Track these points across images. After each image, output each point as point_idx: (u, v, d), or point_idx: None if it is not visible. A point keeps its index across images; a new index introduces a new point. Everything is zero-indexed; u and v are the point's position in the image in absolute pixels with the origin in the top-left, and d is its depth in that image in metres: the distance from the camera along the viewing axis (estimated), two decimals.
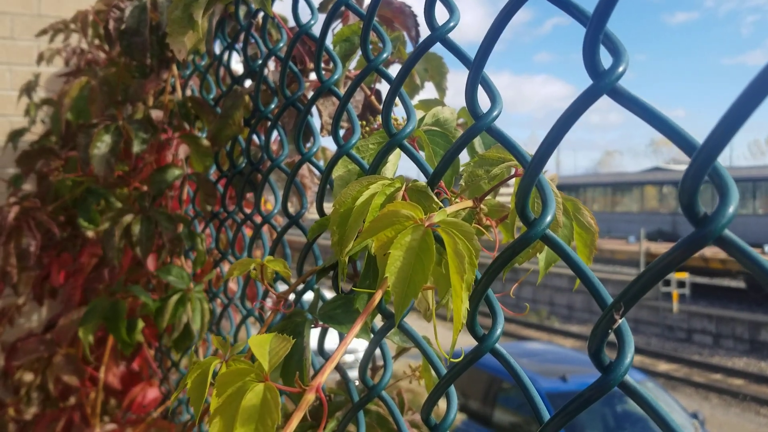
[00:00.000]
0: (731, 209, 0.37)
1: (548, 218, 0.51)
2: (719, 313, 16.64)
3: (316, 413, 0.93)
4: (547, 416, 0.52)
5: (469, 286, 0.50)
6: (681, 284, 18.07)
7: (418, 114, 0.87)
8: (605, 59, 0.47)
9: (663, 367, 14.49)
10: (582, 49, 0.46)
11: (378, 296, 0.55)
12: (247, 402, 0.53)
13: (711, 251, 17.77)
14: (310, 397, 0.52)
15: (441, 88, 1.19)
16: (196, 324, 1.40)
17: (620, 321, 0.43)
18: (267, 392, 0.53)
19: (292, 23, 1.10)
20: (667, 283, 17.73)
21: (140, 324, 1.61)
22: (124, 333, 1.53)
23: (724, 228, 0.37)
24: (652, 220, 28.94)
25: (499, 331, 0.58)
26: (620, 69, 0.45)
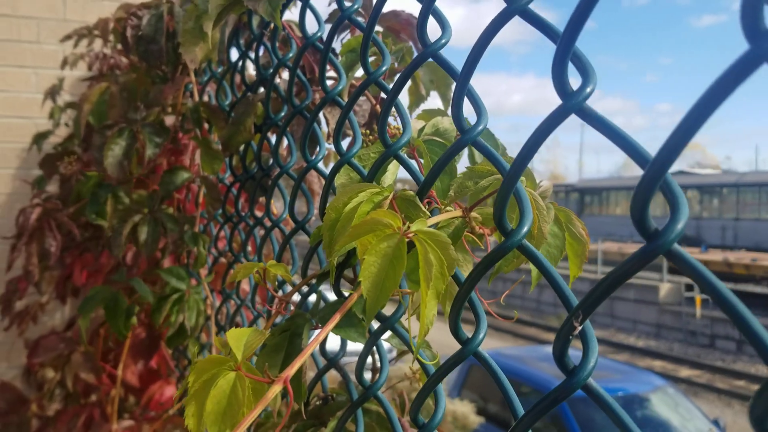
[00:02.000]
0: (680, 225, 0.40)
1: (524, 229, 0.54)
2: None
3: (318, 412, 0.96)
4: (521, 412, 0.55)
5: (438, 294, 0.53)
6: None
7: (420, 123, 0.90)
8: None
9: (685, 372, 14.34)
10: (551, 69, 0.48)
11: (354, 298, 0.58)
12: (217, 388, 0.57)
13: (734, 256, 17.54)
14: (276, 389, 0.55)
15: (446, 99, 1.21)
16: (190, 322, 1.45)
17: (580, 328, 0.46)
18: (237, 380, 0.57)
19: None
20: (690, 288, 17.53)
21: (135, 310, 1.66)
22: (122, 324, 1.58)
23: (673, 242, 0.40)
24: None
25: (482, 335, 0.61)
26: (588, 89, 0.48)
